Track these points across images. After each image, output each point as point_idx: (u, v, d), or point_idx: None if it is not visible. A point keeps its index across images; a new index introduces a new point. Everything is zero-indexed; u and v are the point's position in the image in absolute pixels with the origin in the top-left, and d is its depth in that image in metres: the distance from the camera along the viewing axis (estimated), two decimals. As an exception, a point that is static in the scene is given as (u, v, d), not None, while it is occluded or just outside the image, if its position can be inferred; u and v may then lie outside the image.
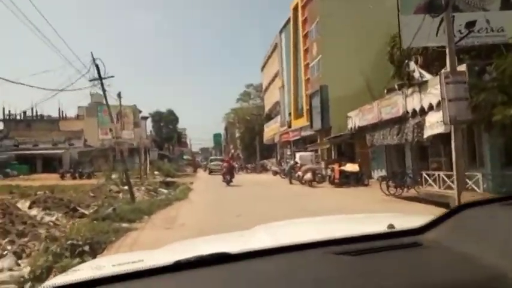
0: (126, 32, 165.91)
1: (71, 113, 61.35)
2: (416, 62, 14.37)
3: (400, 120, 15.22)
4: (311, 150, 28.10)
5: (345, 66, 23.92)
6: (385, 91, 19.97)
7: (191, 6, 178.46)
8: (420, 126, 13.39)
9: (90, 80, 14.60)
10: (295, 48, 32.91)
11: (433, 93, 12.63)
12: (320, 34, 26.45)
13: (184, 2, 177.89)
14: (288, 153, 36.81)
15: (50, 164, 45.02)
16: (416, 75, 13.51)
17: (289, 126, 34.87)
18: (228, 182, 21.54)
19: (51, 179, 30.88)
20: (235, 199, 13.61)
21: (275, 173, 32.37)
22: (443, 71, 9.61)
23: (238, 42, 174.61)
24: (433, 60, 14.63)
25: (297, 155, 28.96)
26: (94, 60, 14.47)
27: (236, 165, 38.24)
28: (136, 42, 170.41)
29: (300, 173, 20.72)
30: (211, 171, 37.99)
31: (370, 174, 20.31)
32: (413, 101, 14.13)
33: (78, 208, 12.57)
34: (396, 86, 18.14)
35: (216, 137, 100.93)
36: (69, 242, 6.94)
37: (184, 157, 62.16)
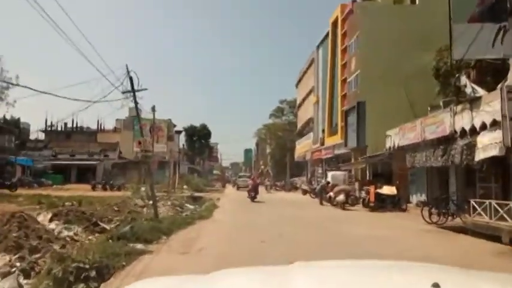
0: (164, 48, 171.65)
1: (109, 124, 63.28)
2: (468, 76, 13.10)
3: (446, 141, 13.89)
4: (344, 170, 26.80)
5: (384, 82, 22.80)
6: (429, 109, 18.63)
7: (227, 21, 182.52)
8: (470, 148, 12.05)
9: (123, 92, 14.42)
10: (332, 63, 32.05)
11: (487, 111, 11.35)
12: (360, 48, 25.50)
13: (220, 17, 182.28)
14: (320, 171, 35.54)
15: (84, 175, 46.14)
16: (468, 90, 12.25)
17: (322, 144, 33.73)
18: (253, 198, 22.78)
19: (83, 190, 31.30)
20: (262, 221, 12.70)
21: (305, 192, 31.20)
22: (504, 84, 8.43)
23: (274, 57, 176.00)
24: (485, 75, 13.32)
25: (329, 174, 27.82)
26: (128, 72, 14.31)
27: (268, 183, 37.45)
28: (173, 57, 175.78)
29: (331, 193, 19.56)
30: (239, 187, 38.35)
31: (408, 198, 18.81)
32: (463, 120, 12.83)
33: (100, 223, 12.16)
34: (441, 103, 16.85)
35: (247, 152, 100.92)
36: (74, 264, 6.35)
37: (214, 172, 61.99)
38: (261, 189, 35.84)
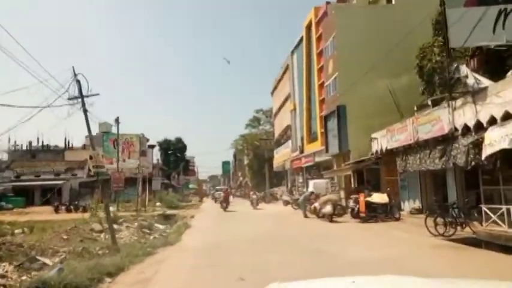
0: (138, 60, 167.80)
1: (77, 142, 59.91)
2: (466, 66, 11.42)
3: (445, 140, 12.14)
4: (327, 178, 24.92)
5: (364, 84, 21.13)
6: (415, 108, 17.05)
7: (200, 33, 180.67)
8: (477, 146, 10.25)
9: (69, 99, 12.11)
10: (308, 68, 30.40)
11: (496, 103, 9.61)
12: (337, 49, 23.88)
13: (193, 30, 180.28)
14: (300, 180, 33.60)
15: (49, 196, 42.40)
16: (470, 81, 10.51)
17: (302, 152, 31.85)
18: (225, 208, 25.71)
19: (46, 213, 28.16)
20: (239, 244, 10.37)
21: (286, 202, 29.08)
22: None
23: (248, 67, 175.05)
24: (485, 63, 11.72)
25: (311, 182, 26.00)
26: (75, 75, 12.06)
27: (254, 196, 33.77)
28: (145, 71, 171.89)
29: (316, 204, 17.49)
30: (216, 200, 37.44)
31: (400, 206, 17.01)
32: (465, 115, 11.08)
33: (39, 258, 9.58)
34: (429, 102, 15.27)
35: (225, 164, 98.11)
36: None
37: (190, 186, 58.79)
38: (245, 202, 33.76)
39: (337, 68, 23.81)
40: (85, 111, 12.34)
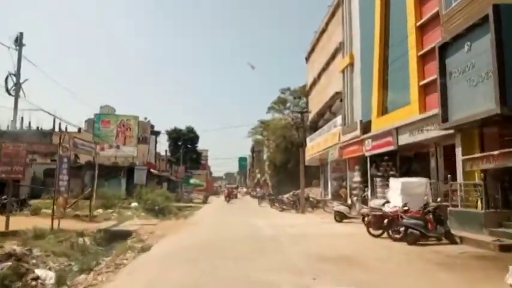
0: (155, 52, 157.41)
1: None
2: None
3: None
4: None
5: None
6: None
7: (220, 13, 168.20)
8: None
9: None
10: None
11: None
12: None
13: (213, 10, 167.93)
14: (356, 179, 19.98)
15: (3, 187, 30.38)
16: None
17: (365, 132, 18.31)
18: (228, 201, 32.79)
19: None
20: None
21: (340, 215, 15.70)
22: None
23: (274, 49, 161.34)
24: None
25: (395, 182, 12.92)
26: None
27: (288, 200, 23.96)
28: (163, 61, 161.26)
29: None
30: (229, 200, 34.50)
31: None
32: None
33: None
34: None
35: (241, 160, 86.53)
36: None
37: (191, 181, 45.53)
38: (270, 212, 21.51)
39: None
40: None
